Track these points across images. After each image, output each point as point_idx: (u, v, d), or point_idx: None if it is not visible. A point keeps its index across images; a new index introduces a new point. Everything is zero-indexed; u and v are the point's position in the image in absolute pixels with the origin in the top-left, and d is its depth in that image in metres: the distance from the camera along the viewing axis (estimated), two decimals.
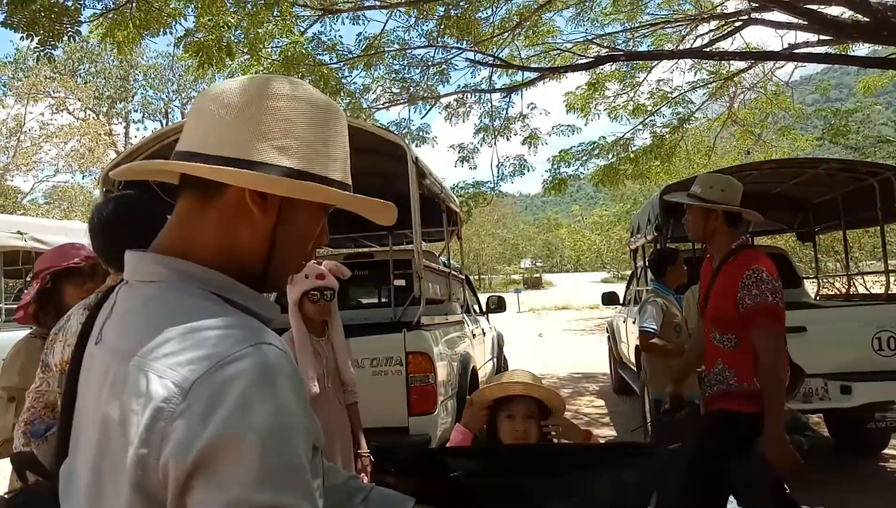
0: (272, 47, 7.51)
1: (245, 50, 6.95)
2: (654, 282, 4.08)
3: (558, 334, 16.38)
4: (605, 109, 10.57)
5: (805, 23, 6.19)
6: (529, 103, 9.57)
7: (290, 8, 6.62)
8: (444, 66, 8.78)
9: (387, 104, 8.98)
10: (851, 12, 5.82)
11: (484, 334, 6.00)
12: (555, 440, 1.86)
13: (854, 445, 4.77)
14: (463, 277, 5.46)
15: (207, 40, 6.07)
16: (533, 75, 8.30)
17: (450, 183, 6.52)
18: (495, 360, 6.61)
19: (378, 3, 7.65)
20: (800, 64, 8.98)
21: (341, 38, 8.33)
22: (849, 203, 5.76)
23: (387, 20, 8.03)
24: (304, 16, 7.56)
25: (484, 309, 6.77)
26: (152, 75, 28.56)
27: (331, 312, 2.76)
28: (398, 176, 4.13)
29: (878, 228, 5.79)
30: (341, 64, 8.11)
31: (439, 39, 8.55)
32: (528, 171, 9.39)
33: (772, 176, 5.75)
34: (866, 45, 7.15)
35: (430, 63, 8.73)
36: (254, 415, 0.61)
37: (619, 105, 10.58)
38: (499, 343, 7.03)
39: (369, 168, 5.05)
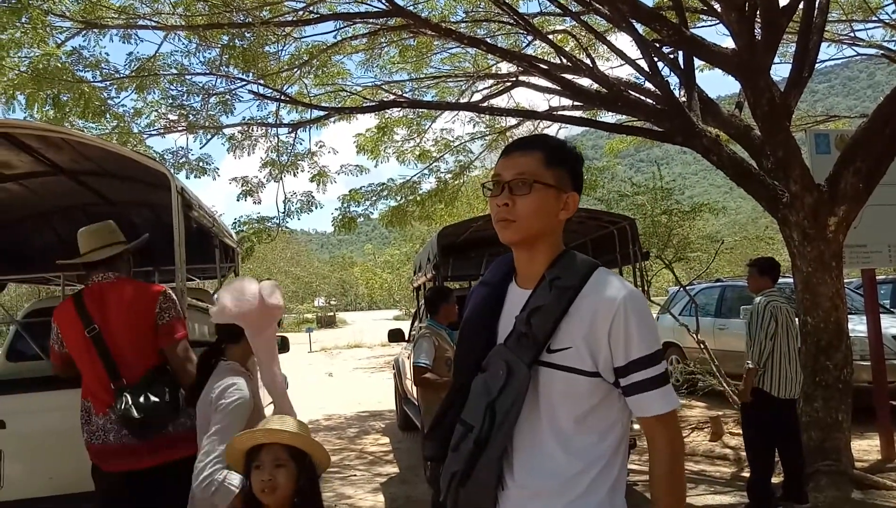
0: (21, 57, 6.59)
1: None
2: (429, 319, 4.24)
3: (349, 372, 16.25)
4: (394, 153, 10.93)
5: (560, 89, 7.02)
6: (318, 141, 9.52)
7: (42, 16, 5.89)
8: (227, 96, 8.43)
9: (162, 131, 8.34)
10: (596, 84, 6.75)
11: None
12: None
13: None
14: None
15: None
16: (321, 113, 8.32)
17: (232, 217, 6.22)
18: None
19: (152, 24, 7.14)
20: (564, 125, 10.18)
21: (108, 55, 7.61)
22: (596, 248, 6.57)
23: (161, 42, 7.52)
24: (62, 27, 6.78)
25: None
26: None
27: None
28: (164, 207, 3.83)
29: (625, 267, 6.68)
30: (107, 84, 7.38)
31: (222, 69, 8.22)
32: (317, 208, 9.30)
33: None
34: (609, 112, 8.32)
35: (211, 92, 8.33)
36: None
37: (406, 150, 11.03)
38: None
39: (133, 197, 4.62)
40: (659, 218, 8.68)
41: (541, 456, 1.34)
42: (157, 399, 2.47)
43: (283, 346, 6.40)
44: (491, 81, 10.13)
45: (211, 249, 4.54)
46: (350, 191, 10.49)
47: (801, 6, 5.33)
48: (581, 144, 23.49)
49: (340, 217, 10.31)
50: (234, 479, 1.88)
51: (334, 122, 9.53)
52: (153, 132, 8.35)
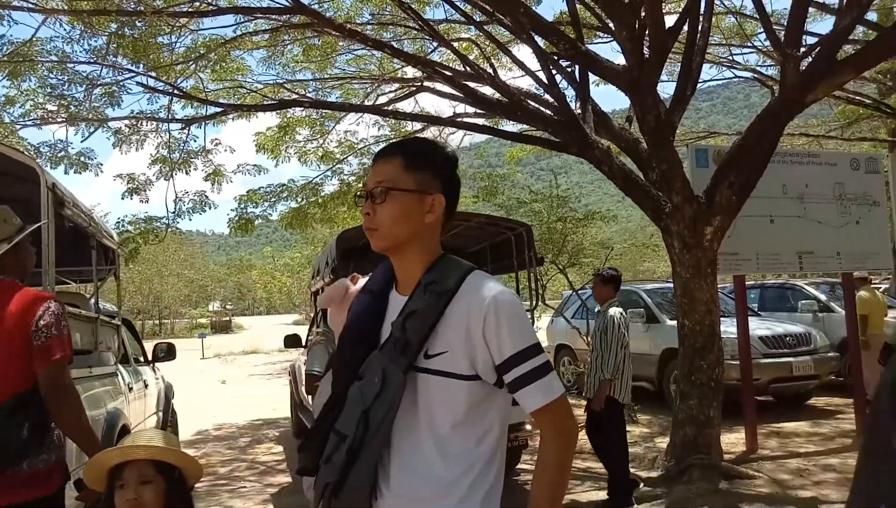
0: None
1: None
2: (325, 324, 4.17)
3: (244, 379, 15.67)
4: (296, 153, 10.68)
5: (463, 96, 7.13)
6: (214, 139, 9.12)
7: None
8: (114, 87, 7.91)
9: (38, 122, 7.71)
10: (498, 93, 6.91)
11: (146, 386, 5.40)
12: None
13: None
14: (119, 322, 4.85)
15: None
16: (218, 110, 7.98)
17: (116, 216, 5.82)
18: (161, 414, 5.99)
19: (28, 6, 6.59)
20: (468, 132, 10.33)
21: None
22: (494, 253, 6.71)
23: (39, 26, 6.95)
24: None
25: (150, 358, 6.12)
26: None
27: None
28: (35, 203, 3.53)
29: (521, 272, 6.86)
30: None
31: (109, 58, 7.71)
32: (211, 208, 8.92)
33: None
34: (510, 121, 8.54)
35: (96, 82, 7.79)
36: None
37: (309, 150, 10.81)
38: (167, 395, 6.40)
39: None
40: (554, 225, 9.00)
41: (419, 463, 1.34)
42: (8, 433, 2.10)
43: (169, 353, 6.08)
44: (396, 85, 10.13)
45: (87, 250, 4.23)
46: (248, 191, 10.14)
47: (685, 28, 5.71)
48: (484, 151, 23.92)
49: (237, 218, 9.95)
50: None
51: (233, 119, 9.19)
52: (28, 123, 7.71)
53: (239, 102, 8.84)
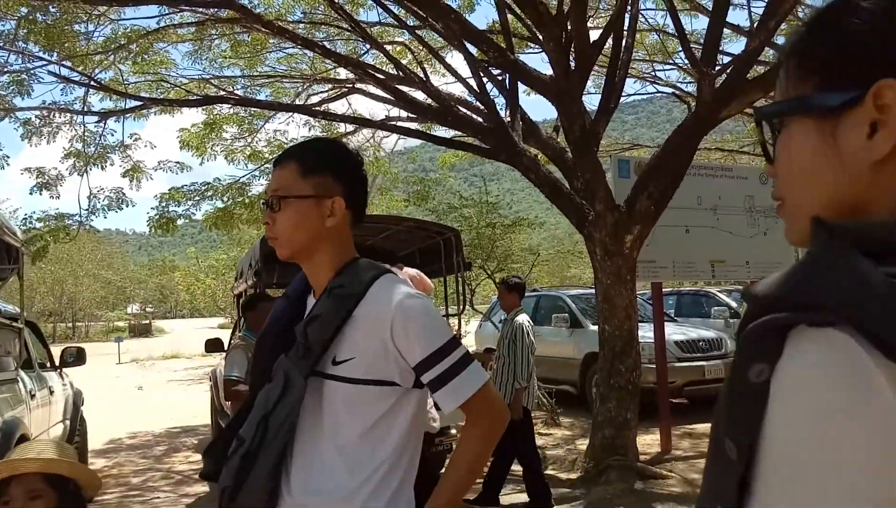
0: None
1: None
2: (245, 329, 4.06)
3: (163, 385, 15.04)
4: (223, 151, 10.37)
5: (394, 99, 7.11)
6: (133, 134, 8.72)
7: None
8: (23, 75, 7.46)
9: None
10: (430, 98, 6.93)
11: (52, 393, 5.09)
12: None
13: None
14: (22, 325, 4.56)
15: None
16: (137, 104, 7.64)
17: (24, 213, 5.47)
18: (68, 423, 5.66)
19: None
20: (402, 137, 10.30)
21: None
22: (424, 257, 6.72)
23: None
24: None
25: (58, 363, 5.78)
26: None
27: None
28: None
29: (450, 277, 6.90)
30: None
31: (19, 44, 7.26)
32: (129, 206, 8.53)
33: (364, 231, 6.36)
34: (442, 126, 8.59)
35: (3, 69, 7.32)
36: None
37: (236, 149, 10.51)
38: (75, 403, 6.06)
39: None
40: (483, 230, 9.11)
41: (321, 471, 1.32)
42: None
43: (79, 357, 5.77)
44: (329, 86, 10.01)
45: None
46: (170, 189, 9.75)
47: (610, 43, 5.90)
48: (418, 155, 24.00)
49: (158, 217, 9.55)
50: None
51: (154, 114, 8.85)
52: None
53: (162, 97, 8.51)
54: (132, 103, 7.74)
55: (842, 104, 0.54)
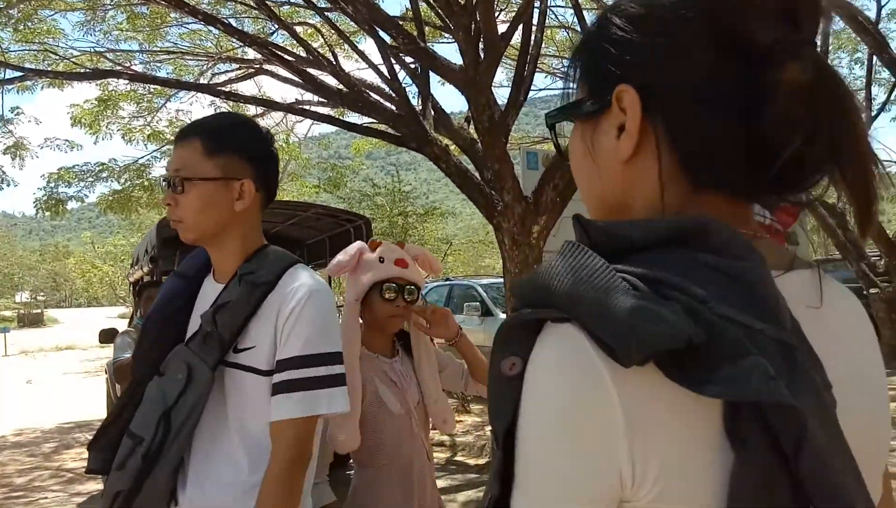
0: None
1: None
2: (140, 317, 3.87)
3: (55, 378, 14.11)
4: (119, 130, 9.78)
5: (302, 82, 6.93)
6: (14, 107, 8.07)
7: None
8: None
9: None
10: (340, 83, 6.80)
11: None
12: None
13: None
14: None
15: None
16: (19, 74, 7.05)
17: None
18: None
19: None
20: (316, 122, 10.02)
21: None
22: (333, 245, 6.60)
23: None
24: None
25: None
26: None
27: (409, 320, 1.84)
28: None
29: None
30: None
31: None
32: (10, 185, 7.91)
33: (270, 216, 6.18)
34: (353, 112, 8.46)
35: None
36: None
37: (134, 128, 9.94)
38: None
39: None
40: (396, 219, 9.08)
41: (223, 468, 1.25)
42: None
43: None
44: (235, 66, 9.63)
45: None
46: (59, 169, 9.12)
47: (519, 36, 5.99)
48: (334, 142, 23.59)
49: (45, 198, 8.92)
50: None
51: (42, 87, 8.20)
52: None
53: (49, 69, 7.90)
54: (13, 74, 7.13)
55: (596, 110, 0.58)
